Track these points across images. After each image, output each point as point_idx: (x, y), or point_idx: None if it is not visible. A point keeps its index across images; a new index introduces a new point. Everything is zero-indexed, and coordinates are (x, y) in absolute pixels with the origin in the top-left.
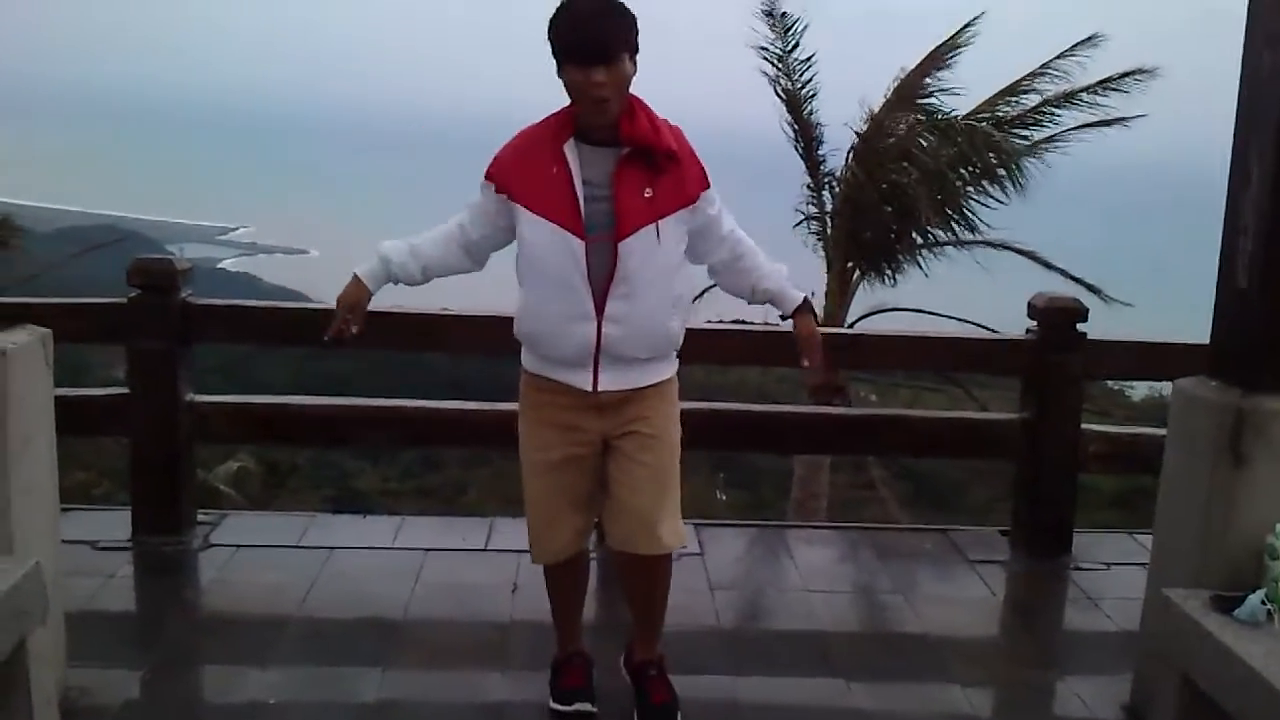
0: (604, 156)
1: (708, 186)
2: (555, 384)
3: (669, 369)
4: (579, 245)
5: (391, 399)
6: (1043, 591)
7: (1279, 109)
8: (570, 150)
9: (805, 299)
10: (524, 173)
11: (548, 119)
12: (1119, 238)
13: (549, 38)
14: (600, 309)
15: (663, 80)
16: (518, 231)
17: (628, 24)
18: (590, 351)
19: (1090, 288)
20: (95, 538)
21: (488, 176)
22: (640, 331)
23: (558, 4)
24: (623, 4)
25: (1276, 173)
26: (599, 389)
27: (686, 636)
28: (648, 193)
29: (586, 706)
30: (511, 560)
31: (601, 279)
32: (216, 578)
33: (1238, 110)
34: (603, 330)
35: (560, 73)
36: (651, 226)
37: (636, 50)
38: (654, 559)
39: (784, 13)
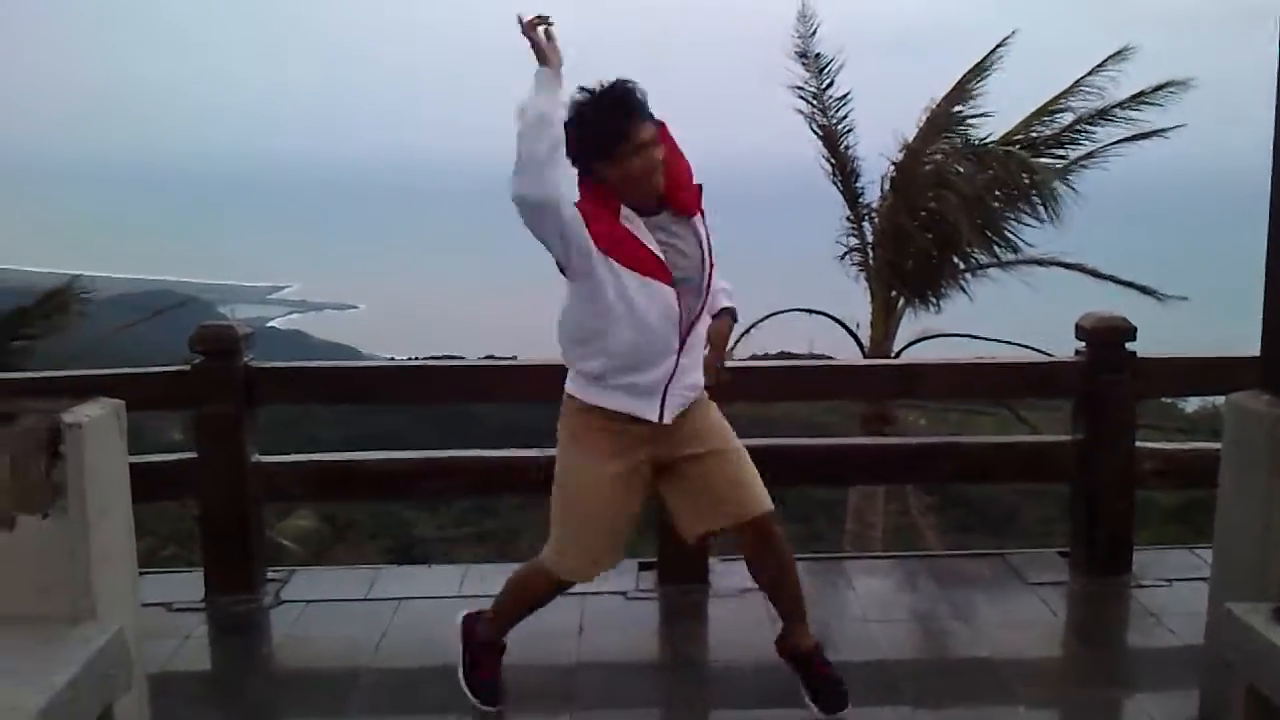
0: (663, 220)
1: None
2: (617, 415)
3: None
4: (670, 293)
5: (449, 450)
6: (1104, 610)
7: None
8: (628, 217)
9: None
10: (605, 232)
11: (585, 204)
12: (1167, 246)
13: (589, 136)
14: (682, 344)
15: (698, 120)
16: (597, 275)
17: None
18: (665, 382)
19: (1144, 289)
20: (170, 599)
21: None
22: (697, 357)
23: (583, 104)
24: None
25: None
26: (664, 418)
27: (751, 671)
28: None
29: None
30: (575, 604)
31: (685, 319)
32: (290, 633)
33: (1277, 122)
34: (680, 363)
35: (609, 168)
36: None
37: None
38: (774, 532)
39: (817, 54)
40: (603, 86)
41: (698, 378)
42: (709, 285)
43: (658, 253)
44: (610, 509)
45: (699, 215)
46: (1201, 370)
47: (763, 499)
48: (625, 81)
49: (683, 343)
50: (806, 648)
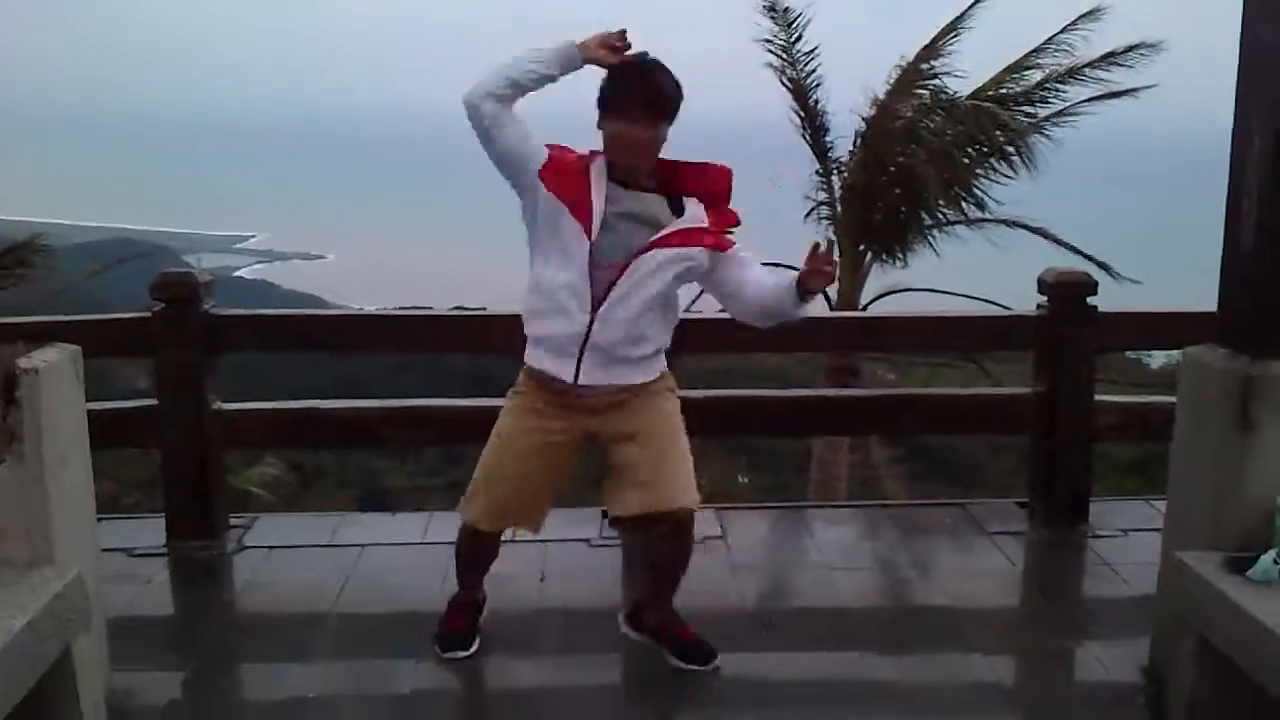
0: (633, 196)
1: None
2: (543, 375)
3: (654, 370)
4: (583, 241)
5: (418, 399)
6: (1061, 560)
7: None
8: (597, 171)
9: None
10: (559, 167)
11: (578, 154)
12: (1131, 207)
13: (607, 88)
14: (596, 305)
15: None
16: (537, 206)
17: (680, 97)
18: (579, 341)
19: (1100, 264)
20: (131, 545)
21: (547, 156)
22: (624, 333)
23: (628, 63)
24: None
25: (1278, 138)
26: (579, 381)
27: (712, 617)
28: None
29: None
30: (537, 551)
31: (603, 284)
32: (252, 579)
33: (1238, 80)
34: (594, 325)
35: (601, 123)
36: (659, 253)
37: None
38: (689, 530)
39: (786, 8)
40: (644, 59)
41: (629, 353)
42: (628, 268)
43: (596, 206)
44: (523, 465)
45: (696, 213)
46: (1161, 324)
47: (686, 494)
48: (659, 69)
49: (597, 304)
50: (659, 621)
